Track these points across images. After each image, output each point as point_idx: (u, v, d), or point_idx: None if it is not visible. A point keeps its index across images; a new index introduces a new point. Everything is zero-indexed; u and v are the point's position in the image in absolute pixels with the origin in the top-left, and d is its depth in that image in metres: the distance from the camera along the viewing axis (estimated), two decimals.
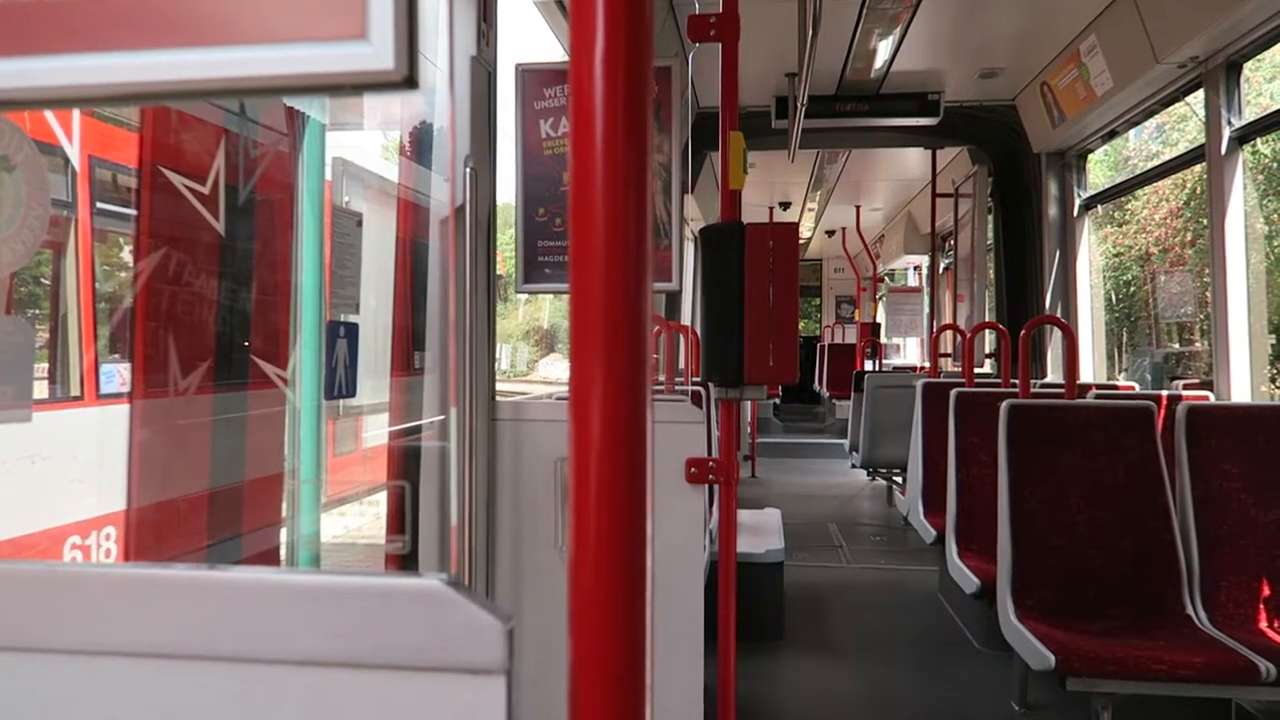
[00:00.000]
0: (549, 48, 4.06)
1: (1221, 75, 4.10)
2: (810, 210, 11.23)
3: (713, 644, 2.22)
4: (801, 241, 13.70)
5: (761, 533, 4.43)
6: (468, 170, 2.21)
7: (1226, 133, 4.06)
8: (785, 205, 10.71)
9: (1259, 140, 4.08)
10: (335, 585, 0.50)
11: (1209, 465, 3.01)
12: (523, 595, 2.25)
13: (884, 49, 5.40)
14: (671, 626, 2.16)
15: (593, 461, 0.53)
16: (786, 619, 4.19)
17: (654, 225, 2.18)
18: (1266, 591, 2.82)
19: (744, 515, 4.98)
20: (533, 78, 2.50)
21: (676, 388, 3.86)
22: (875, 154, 8.38)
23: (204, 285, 2.10)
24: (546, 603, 2.28)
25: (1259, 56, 4.21)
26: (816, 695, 3.51)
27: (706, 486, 2.20)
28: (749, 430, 8.85)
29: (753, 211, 10.20)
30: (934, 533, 4.06)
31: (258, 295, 2.33)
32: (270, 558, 2.20)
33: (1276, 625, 2.76)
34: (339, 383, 1.93)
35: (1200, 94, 4.31)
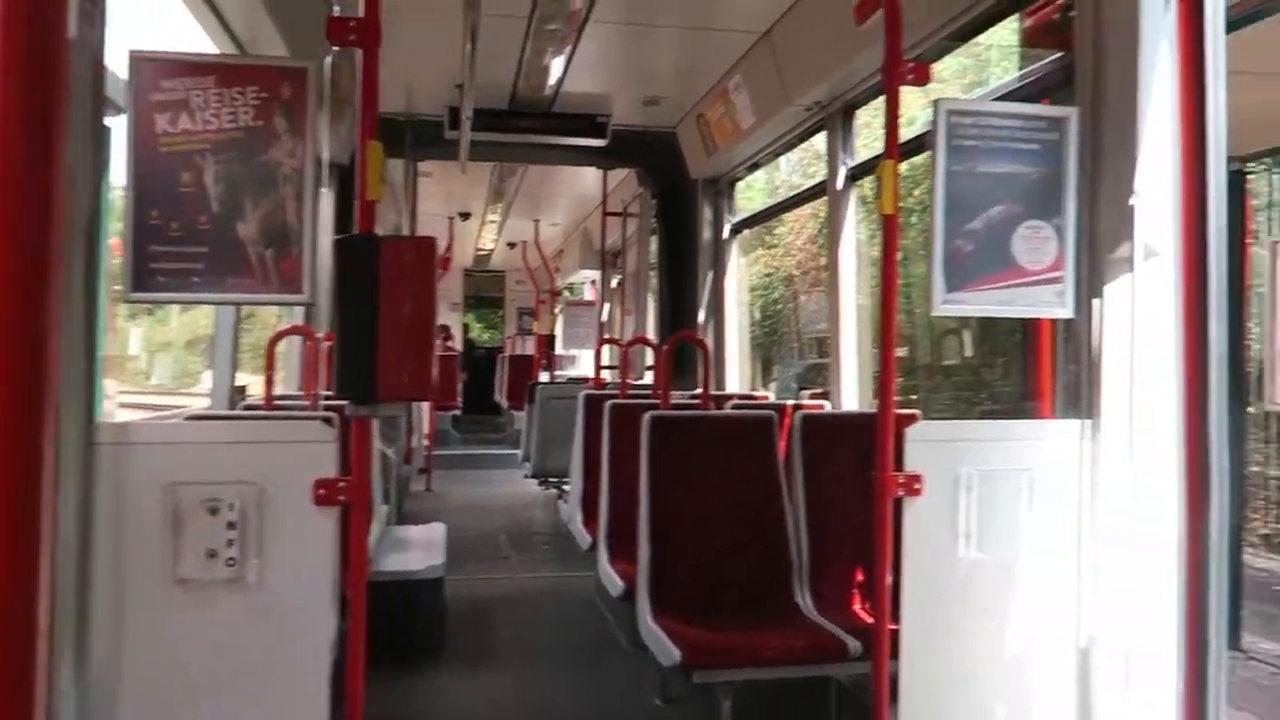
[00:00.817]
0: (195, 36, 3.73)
1: (838, 119, 4.63)
2: (491, 222, 11.28)
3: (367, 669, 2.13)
4: (484, 253, 13.71)
5: (423, 548, 4.36)
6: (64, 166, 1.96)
7: (842, 171, 4.59)
8: (465, 216, 10.67)
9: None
10: None
11: (820, 468, 3.38)
12: (125, 638, 2.04)
13: (555, 68, 5.54)
14: (295, 655, 2.05)
15: None
16: (448, 635, 4.15)
17: (284, 233, 2.05)
18: (860, 578, 3.22)
19: (409, 531, 4.89)
20: (150, 68, 2.28)
21: (323, 402, 3.70)
22: (552, 171, 8.57)
23: None
24: (158, 644, 2.08)
25: (874, 104, 4.81)
26: (472, 710, 3.51)
27: (339, 508, 2.11)
28: (425, 443, 8.70)
29: (432, 220, 10.05)
30: (589, 539, 4.20)
31: None
32: None
33: (866, 608, 3.15)
34: None
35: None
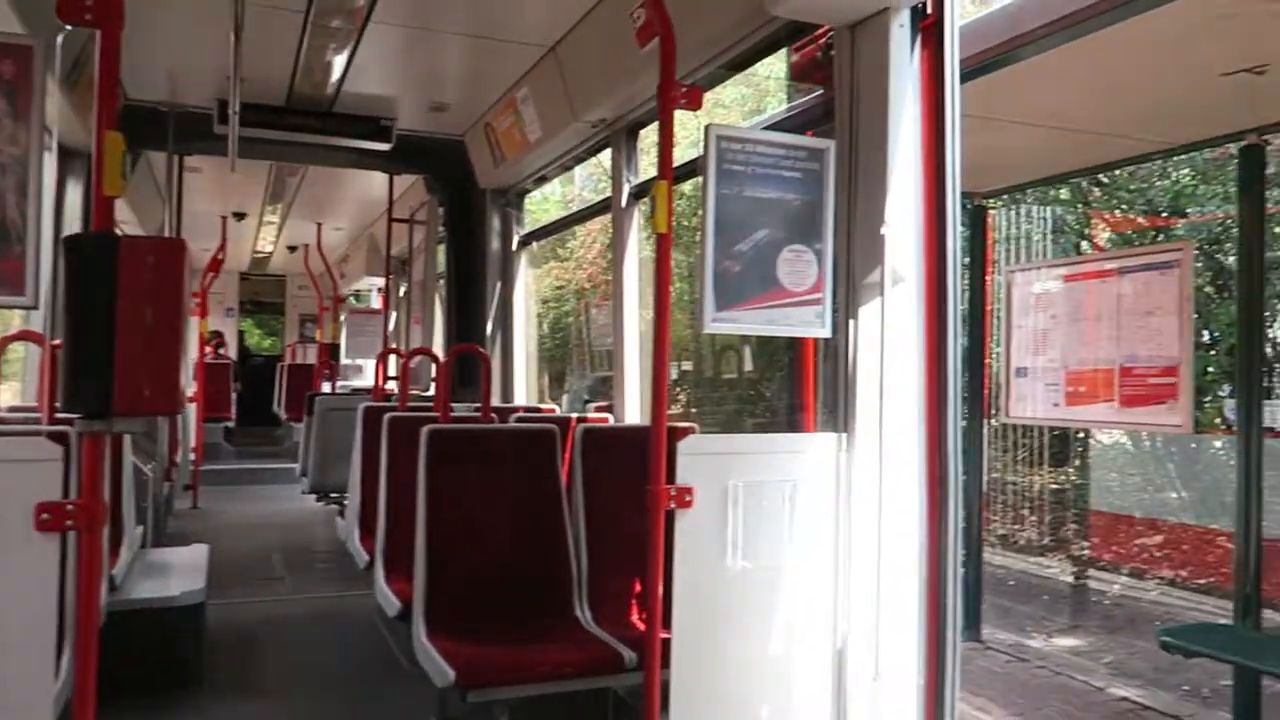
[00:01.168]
0: None
1: (623, 138, 4.71)
2: (270, 223, 10.68)
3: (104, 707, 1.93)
4: (262, 256, 12.97)
5: (182, 572, 4.04)
6: None
7: (626, 188, 4.68)
8: (240, 216, 10.04)
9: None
10: None
11: (600, 481, 3.40)
12: None
13: (337, 67, 5.32)
14: (9, 701, 1.84)
15: None
16: (208, 665, 3.86)
17: (3, 229, 1.83)
18: (636, 589, 3.27)
19: (167, 554, 4.53)
20: None
21: (60, 415, 3.35)
22: (336, 173, 8.21)
23: None
24: None
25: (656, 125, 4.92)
26: None
27: (63, 535, 1.92)
28: (191, 457, 8.09)
29: (203, 220, 9.39)
30: (366, 557, 4.05)
31: None
32: None
33: (641, 618, 3.20)
34: None
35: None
